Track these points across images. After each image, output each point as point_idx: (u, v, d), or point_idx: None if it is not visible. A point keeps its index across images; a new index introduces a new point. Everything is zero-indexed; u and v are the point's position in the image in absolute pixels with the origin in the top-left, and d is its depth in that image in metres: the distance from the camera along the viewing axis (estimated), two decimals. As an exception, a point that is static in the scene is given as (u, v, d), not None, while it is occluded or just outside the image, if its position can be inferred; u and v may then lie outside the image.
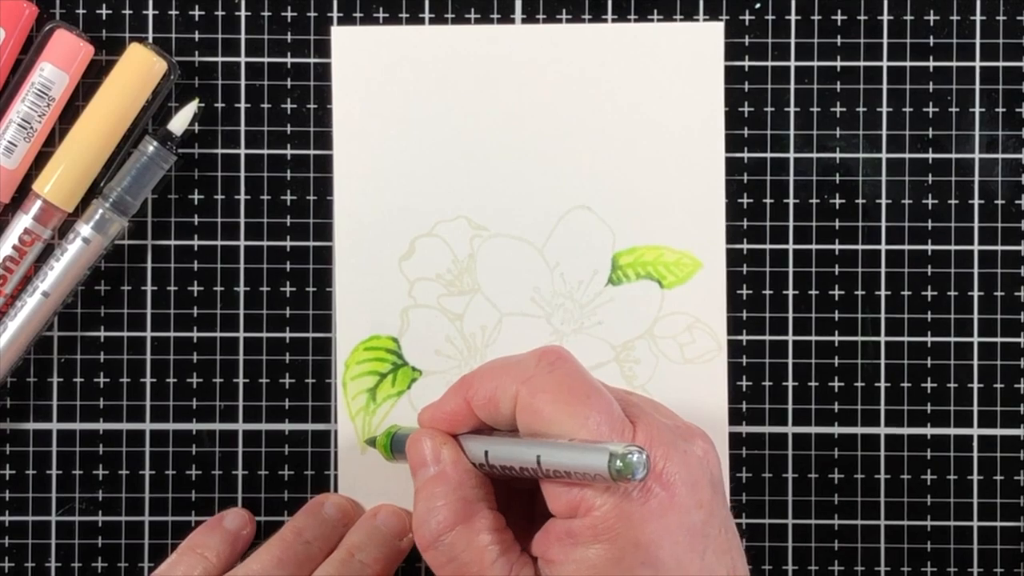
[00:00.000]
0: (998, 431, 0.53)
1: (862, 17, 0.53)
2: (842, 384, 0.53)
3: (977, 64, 0.53)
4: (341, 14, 0.53)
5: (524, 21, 0.53)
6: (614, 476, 0.39)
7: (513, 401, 0.44)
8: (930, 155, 0.53)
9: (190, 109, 0.52)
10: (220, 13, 0.53)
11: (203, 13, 0.53)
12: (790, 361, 0.53)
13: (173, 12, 0.53)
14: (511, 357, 0.46)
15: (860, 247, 0.53)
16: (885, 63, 0.53)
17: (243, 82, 0.53)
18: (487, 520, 0.44)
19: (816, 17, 0.53)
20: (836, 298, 0.53)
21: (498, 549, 0.43)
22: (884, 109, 0.53)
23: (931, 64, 0.53)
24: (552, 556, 0.42)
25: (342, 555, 0.50)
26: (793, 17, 0.53)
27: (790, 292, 0.53)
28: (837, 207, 0.53)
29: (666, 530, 0.41)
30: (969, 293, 0.53)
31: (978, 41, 0.53)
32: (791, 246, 0.53)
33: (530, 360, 0.44)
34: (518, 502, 0.47)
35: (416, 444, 0.46)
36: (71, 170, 0.51)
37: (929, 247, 0.53)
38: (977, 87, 0.53)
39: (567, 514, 0.42)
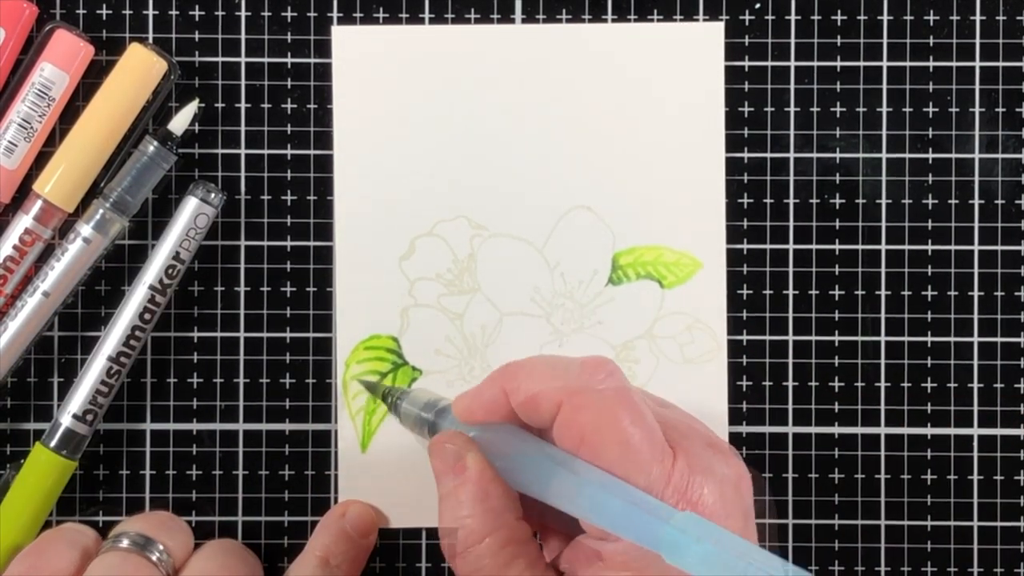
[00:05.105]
0: (998, 431, 0.53)
1: (862, 17, 0.53)
2: (842, 384, 0.53)
3: (977, 64, 0.53)
4: (341, 14, 0.53)
5: (524, 21, 0.53)
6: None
7: (555, 410, 0.42)
8: (930, 155, 0.53)
9: (190, 109, 0.52)
10: (220, 13, 0.53)
11: (203, 13, 0.53)
12: (790, 361, 0.53)
13: (173, 12, 0.53)
14: (559, 360, 0.44)
15: (860, 247, 0.53)
16: (885, 63, 0.53)
17: (243, 82, 0.53)
18: (513, 532, 0.43)
19: (816, 17, 0.53)
20: (836, 298, 0.53)
21: (524, 563, 0.42)
22: (884, 109, 0.53)
23: (931, 64, 0.53)
24: (579, 575, 0.42)
25: (315, 561, 0.50)
26: (793, 17, 0.53)
27: (790, 292, 0.53)
28: (837, 207, 0.53)
29: None
30: (969, 293, 0.53)
31: (978, 41, 0.53)
32: (791, 246, 0.53)
33: (579, 370, 0.43)
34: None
35: (440, 450, 0.45)
36: (71, 170, 0.51)
37: (929, 247, 0.53)
38: (977, 87, 0.53)
39: (598, 535, 0.41)
